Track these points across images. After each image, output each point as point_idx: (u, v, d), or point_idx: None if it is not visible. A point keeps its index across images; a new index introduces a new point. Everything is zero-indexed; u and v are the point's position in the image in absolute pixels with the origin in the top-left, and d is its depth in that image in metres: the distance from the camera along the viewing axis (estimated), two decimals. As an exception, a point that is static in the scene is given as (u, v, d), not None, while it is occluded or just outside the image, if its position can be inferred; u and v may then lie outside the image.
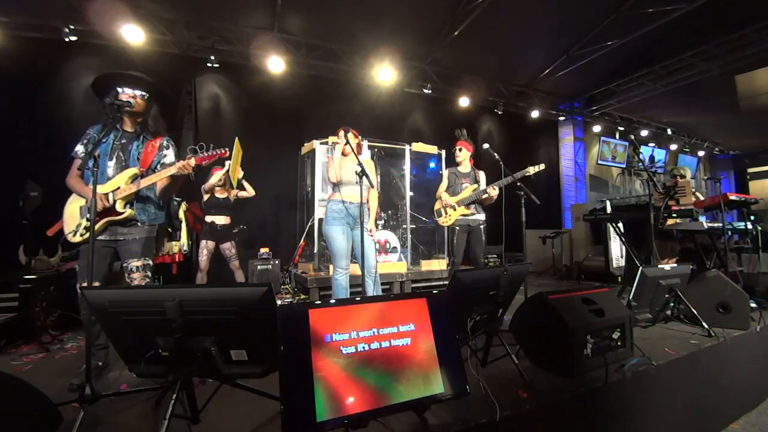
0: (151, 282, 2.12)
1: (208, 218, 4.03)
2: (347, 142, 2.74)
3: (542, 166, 3.23)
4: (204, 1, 4.94)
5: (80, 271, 2.01)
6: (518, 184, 3.07)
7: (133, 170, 2.06)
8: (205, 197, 4.06)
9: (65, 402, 1.43)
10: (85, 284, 1.96)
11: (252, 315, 1.28)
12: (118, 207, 2.01)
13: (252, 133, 5.64)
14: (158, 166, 2.13)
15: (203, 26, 5.21)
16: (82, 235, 2.00)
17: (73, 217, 2.04)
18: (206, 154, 2.02)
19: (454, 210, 3.38)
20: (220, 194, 4.09)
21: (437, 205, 3.51)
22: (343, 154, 2.93)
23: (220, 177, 3.99)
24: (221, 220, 4.07)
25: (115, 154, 2.06)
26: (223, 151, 2.07)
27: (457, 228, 3.37)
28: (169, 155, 2.16)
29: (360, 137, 3.05)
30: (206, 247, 4.00)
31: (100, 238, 2.01)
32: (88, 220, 2.00)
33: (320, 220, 5.06)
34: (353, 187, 2.76)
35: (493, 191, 3.23)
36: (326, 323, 1.26)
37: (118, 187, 2.01)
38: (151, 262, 2.12)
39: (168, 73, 5.10)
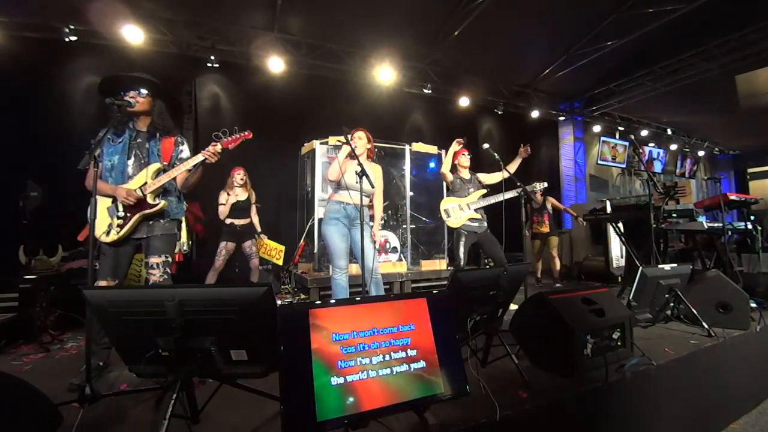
0: (168, 279, 2.14)
1: (228, 220, 4.06)
2: (347, 142, 2.71)
3: (545, 184, 3.35)
4: (204, 1, 4.93)
5: (100, 269, 2.04)
6: (518, 184, 3.08)
7: (157, 165, 2.09)
8: (225, 209, 4.06)
9: (65, 402, 1.43)
10: (104, 283, 1.98)
11: (252, 315, 1.28)
12: (150, 200, 2.05)
13: (252, 132, 5.64)
14: (176, 162, 2.17)
15: (203, 26, 5.20)
16: (117, 233, 2.02)
17: (101, 219, 2.04)
18: (231, 138, 2.11)
19: (463, 211, 3.35)
20: (241, 196, 4.11)
21: (444, 204, 3.43)
22: (351, 156, 2.83)
23: (240, 179, 4.13)
24: (241, 221, 4.10)
25: (132, 152, 2.08)
26: (246, 133, 2.16)
27: (465, 233, 3.33)
28: (185, 150, 2.22)
29: (372, 141, 2.98)
30: (225, 247, 4.04)
31: (133, 236, 2.05)
32: (119, 218, 2.03)
33: (320, 220, 5.06)
34: (354, 189, 2.76)
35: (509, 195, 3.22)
36: (326, 323, 1.26)
37: (145, 183, 2.04)
38: (170, 259, 2.15)
39: (168, 73, 5.08)
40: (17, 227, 3.42)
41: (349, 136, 2.73)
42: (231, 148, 2.12)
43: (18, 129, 4.38)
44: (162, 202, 2.08)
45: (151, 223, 2.09)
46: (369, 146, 2.93)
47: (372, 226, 2.90)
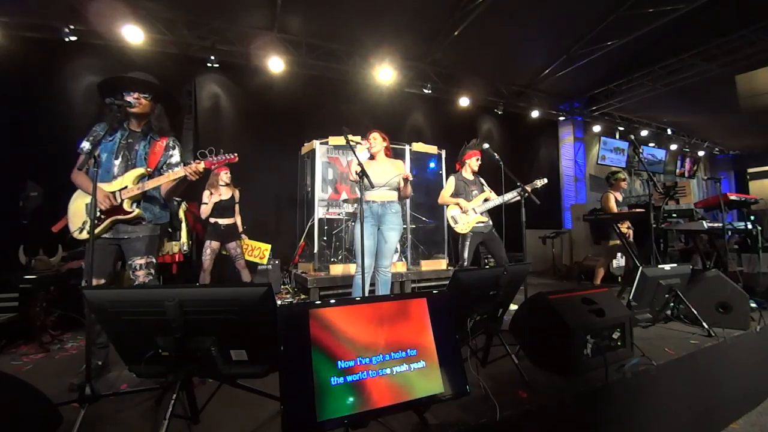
0: (154, 280, 2.13)
1: (212, 219, 4.03)
2: (347, 142, 2.73)
3: (545, 180, 3.31)
4: (204, 1, 4.94)
5: (86, 269, 2.01)
6: (518, 184, 3.08)
7: (140, 170, 2.07)
8: (207, 209, 4.03)
9: (65, 402, 1.43)
10: (93, 282, 1.96)
11: (252, 315, 1.28)
12: (126, 206, 2.03)
13: (252, 133, 5.65)
14: (164, 166, 2.15)
15: (203, 26, 5.21)
16: (88, 233, 1.99)
17: (78, 215, 2.03)
18: (216, 159, 2.05)
19: (469, 216, 3.35)
20: (225, 195, 4.09)
21: (451, 211, 3.42)
22: (372, 157, 3.01)
23: (223, 179, 4.06)
24: (225, 220, 4.07)
25: (121, 153, 2.06)
26: (232, 156, 2.09)
27: (471, 234, 3.34)
28: (175, 155, 2.18)
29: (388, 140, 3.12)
30: (210, 246, 4.00)
31: (105, 236, 2.03)
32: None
33: (320, 220, 5.07)
34: (378, 189, 2.87)
35: (514, 197, 3.23)
36: (326, 323, 1.26)
37: (125, 186, 2.03)
38: (154, 261, 2.13)
39: (168, 73, 5.09)
40: (17, 227, 3.42)
41: (356, 137, 2.78)
42: (213, 169, 2.09)
43: (18, 129, 4.38)
44: (136, 211, 2.04)
45: (131, 225, 2.07)
46: (385, 144, 3.05)
47: (398, 227, 3.05)
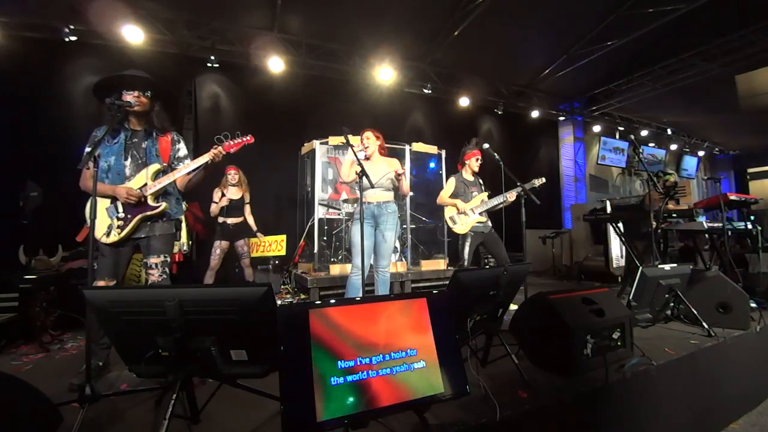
0: (167, 279, 2.13)
1: (220, 219, 4.07)
2: (347, 142, 2.73)
3: (543, 180, 3.30)
4: (204, 1, 4.94)
5: (99, 270, 2.01)
6: (518, 184, 3.09)
7: (156, 166, 2.09)
8: (216, 209, 4.05)
9: (65, 402, 1.43)
10: (102, 283, 1.97)
11: (252, 315, 1.28)
12: (151, 201, 2.04)
13: (252, 133, 5.59)
14: (174, 161, 2.17)
15: (203, 26, 5.21)
16: (118, 235, 2.00)
17: (101, 219, 2.02)
18: (233, 142, 2.13)
19: (468, 217, 3.36)
20: (234, 195, 4.12)
21: (449, 212, 3.43)
22: (367, 157, 2.98)
23: (232, 179, 4.11)
24: (233, 219, 4.11)
25: (129, 153, 2.07)
26: (248, 138, 2.20)
27: (471, 234, 3.35)
28: (182, 148, 2.21)
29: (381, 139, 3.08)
30: (219, 246, 4.06)
31: (133, 236, 2.04)
32: (119, 219, 2.01)
33: (320, 220, 5.07)
34: (374, 189, 2.85)
35: (511, 197, 3.25)
36: (326, 323, 1.26)
37: (145, 184, 2.04)
38: (169, 259, 2.14)
39: (168, 73, 5.09)
40: (17, 227, 3.42)
41: (356, 138, 2.76)
42: (232, 152, 2.14)
43: (18, 129, 4.38)
44: (164, 204, 2.07)
45: (150, 223, 2.09)
46: (379, 143, 3.02)
47: (395, 227, 2.99)
